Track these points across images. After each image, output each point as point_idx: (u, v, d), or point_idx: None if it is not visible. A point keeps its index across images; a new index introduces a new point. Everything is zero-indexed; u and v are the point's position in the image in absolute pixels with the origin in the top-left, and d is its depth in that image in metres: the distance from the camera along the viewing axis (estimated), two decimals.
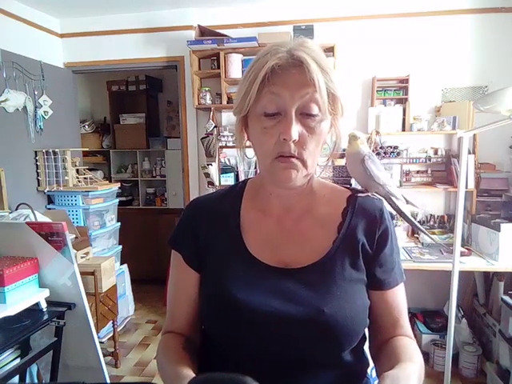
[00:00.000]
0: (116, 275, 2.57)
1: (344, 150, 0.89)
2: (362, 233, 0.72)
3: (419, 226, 1.05)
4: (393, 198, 0.86)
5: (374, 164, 0.82)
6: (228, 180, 2.83)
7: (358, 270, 0.71)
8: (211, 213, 0.78)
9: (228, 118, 3.14)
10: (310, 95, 0.62)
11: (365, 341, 0.77)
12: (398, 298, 0.74)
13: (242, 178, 2.86)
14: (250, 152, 0.75)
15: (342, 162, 2.60)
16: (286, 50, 0.64)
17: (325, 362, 0.69)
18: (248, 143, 0.74)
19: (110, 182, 3.89)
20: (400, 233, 2.70)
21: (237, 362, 0.69)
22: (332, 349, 0.67)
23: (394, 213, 0.90)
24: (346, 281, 0.69)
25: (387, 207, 0.79)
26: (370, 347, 0.79)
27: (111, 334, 2.61)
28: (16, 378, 1.55)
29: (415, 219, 2.81)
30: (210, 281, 0.73)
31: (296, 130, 0.63)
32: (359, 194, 0.77)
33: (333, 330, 0.65)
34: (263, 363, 0.67)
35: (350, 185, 0.86)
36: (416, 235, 2.78)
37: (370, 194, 0.78)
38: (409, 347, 0.69)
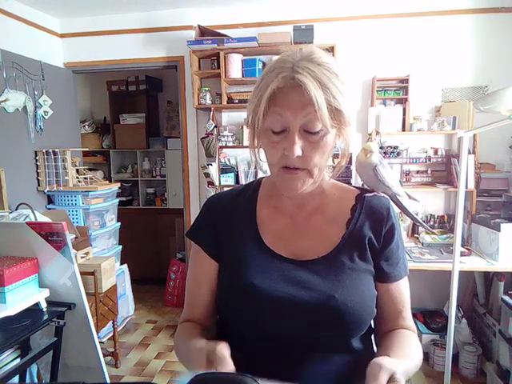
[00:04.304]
0: (116, 275, 2.57)
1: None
2: (370, 229, 0.77)
3: (422, 222, 1.11)
4: (398, 197, 0.92)
5: (384, 168, 0.88)
6: (228, 180, 2.83)
7: (366, 261, 0.75)
8: (228, 208, 0.83)
9: (228, 117, 3.14)
10: (312, 114, 0.64)
11: (372, 331, 0.82)
12: (402, 290, 0.78)
13: (241, 177, 2.86)
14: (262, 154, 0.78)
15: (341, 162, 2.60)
16: (291, 66, 0.65)
17: (335, 346, 0.73)
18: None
19: (110, 182, 3.90)
20: None
21: (251, 346, 0.73)
22: (342, 334, 0.71)
23: (398, 211, 0.93)
24: (354, 271, 0.73)
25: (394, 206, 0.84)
26: (374, 338, 0.83)
27: (111, 334, 2.61)
28: (16, 378, 1.56)
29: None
30: (228, 268, 0.78)
31: (299, 146, 0.67)
32: (367, 194, 0.81)
33: (343, 315, 0.69)
34: (276, 347, 0.71)
35: (350, 184, 0.89)
36: (416, 235, 2.78)
37: (377, 194, 0.83)
38: (408, 339, 0.74)
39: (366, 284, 0.74)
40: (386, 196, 0.84)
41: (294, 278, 0.72)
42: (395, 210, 0.83)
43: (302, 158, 0.68)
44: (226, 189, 0.90)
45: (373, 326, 0.82)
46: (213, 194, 2.69)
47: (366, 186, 0.89)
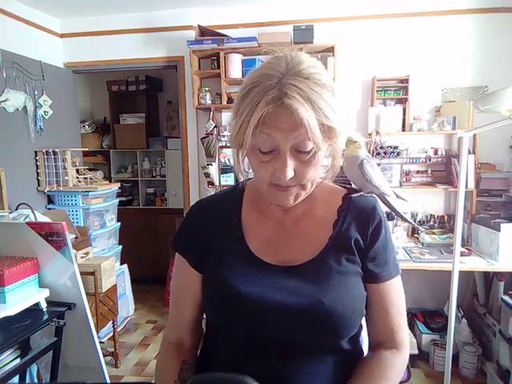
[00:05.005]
0: (116, 275, 2.57)
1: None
2: (356, 229, 0.75)
3: (413, 222, 1.10)
4: (387, 197, 0.90)
5: (371, 168, 0.85)
6: (228, 180, 2.83)
7: (354, 263, 0.74)
8: (213, 214, 0.80)
9: (228, 118, 3.14)
10: (303, 135, 0.61)
11: (361, 330, 0.80)
12: (392, 291, 0.76)
13: (241, 178, 2.85)
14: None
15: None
16: (278, 82, 0.61)
17: (326, 348, 0.72)
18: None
19: (110, 182, 3.90)
20: (400, 233, 2.70)
21: (241, 350, 0.73)
22: (331, 337, 0.71)
23: (389, 211, 0.92)
24: (342, 274, 0.72)
25: (382, 206, 0.82)
26: (368, 344, 0.82)
27: (111, 334, 2.61)
28: (16, 378, 1.56)
29: (415, 219, 2.82)
30: (214, 277, 0.76)
31: (291, 167, 0.64)
32: (353, 195, 0.79)
33: (332, 319, 0.68)
34: (267, 350, 0.71)
35: (350, 184, 0.88)
36: (416, 235, 2.78)
37: (363, 193, 0.81)
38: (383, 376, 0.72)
39: (355, 286, 0.73)
40: (373, 195, 0.82)
41: (282, 285, 0.71)
42: (383, 209, 0.81)
43: (294, 176, 0.66)
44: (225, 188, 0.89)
45: (363, 325, 0.81)
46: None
47: (354, 186, 0.87)
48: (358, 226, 0.75)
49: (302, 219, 0.77)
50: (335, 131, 0.64)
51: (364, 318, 0.78)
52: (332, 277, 0.71)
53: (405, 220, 1.03)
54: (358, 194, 0.80)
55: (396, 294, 0.76)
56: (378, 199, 0.83)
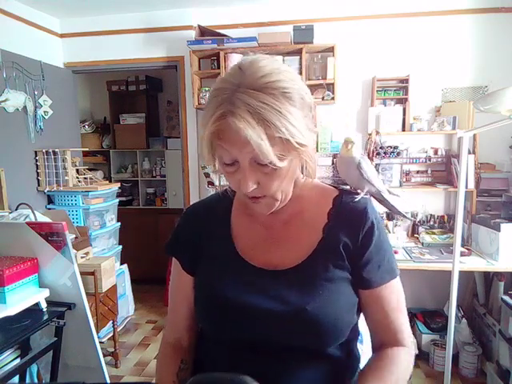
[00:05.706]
0: (116, 275, 2.57)
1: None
2: (346, 233, 0.73)
3: (409, 217, 1.10)
4: (383, 194, 0.89)
5: (368, 166, 0.85)
6: None
7: (342, 269, 0.72)
8: (207, 216, 0.82)
9: None
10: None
11: (356, 337, 0.79)
12: (389, 295, 0.74)
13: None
14: None
15: None
16: (230, 95, 0.59)
17: (311, 354, 0.72)
18: None
19: (110, 182, 3.90)
20: (400, 233, 2.70)
21: (229, 353, 0.74)
22: (316, 344, 0.70)
23: (385, 210, 0.92)
24: (329, 280, 0.71)
25: (379, 205, 0.81)
26: (372, 346, 0.80)
27: (111, 334, 2.61)
28: (16, 378, 1.56)
29: (415, 219, 2.82)
30: (201, 282, 0.78)
31: (252, 181, 0.64)
32: (344, 197, 0.77)
33: (316, 327, 0.68)
34: (252, 353, 0.71)
35: (345, 184, 0.87)
36: (416, 235, 2.78)
37: (355, 195, 0.78)
38: (390, 370, 0.70)
39: (342, 293, 0.71)
40: (364, 196, 0.80)
41: (268, 291, 0.71)
42: (377, 209, 0.79)
43: (260, 188, 0.65)
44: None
45: (360, 331, 0.80)
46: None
47: (344, 185, 0.86)
48: (347, 230, 0.73)
49: (291, 222, 0.76)
50: (292, 144, 0.61)
51: (365, 322, 0.77)
52: (318, 283, 0.70)
53: (404, 216, 1.03)
54: (350, 196, 0.77)
55: (393, 297, 0.74)
56: (374, 199, 0.82)
